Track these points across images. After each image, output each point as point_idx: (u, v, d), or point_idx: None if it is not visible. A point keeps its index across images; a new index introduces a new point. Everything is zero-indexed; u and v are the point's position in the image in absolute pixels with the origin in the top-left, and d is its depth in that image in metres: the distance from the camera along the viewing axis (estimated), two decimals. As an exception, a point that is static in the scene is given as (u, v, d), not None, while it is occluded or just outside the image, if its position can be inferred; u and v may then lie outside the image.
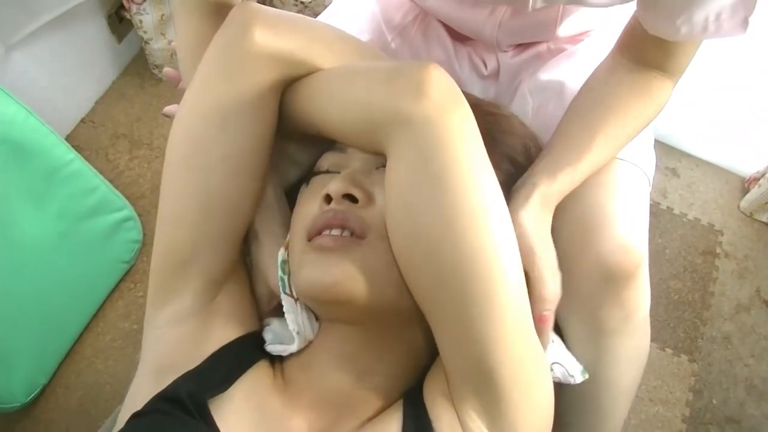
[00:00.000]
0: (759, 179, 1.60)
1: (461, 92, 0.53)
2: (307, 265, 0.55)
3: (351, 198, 0.56)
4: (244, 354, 0.58)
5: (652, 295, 1.44)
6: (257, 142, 0.59)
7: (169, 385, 0.52)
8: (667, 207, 1.65)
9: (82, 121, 1.70)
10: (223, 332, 0.58)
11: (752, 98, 1.58)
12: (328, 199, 0.56)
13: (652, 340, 1.43)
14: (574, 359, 0.72)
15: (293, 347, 0.57)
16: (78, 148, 1.35)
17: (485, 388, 0.50)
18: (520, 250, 0.54)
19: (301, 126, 0.62)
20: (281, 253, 0.60)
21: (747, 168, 1.70)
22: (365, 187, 0.57)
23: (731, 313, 1.51)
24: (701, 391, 1.41)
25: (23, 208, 1.23)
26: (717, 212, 1.66)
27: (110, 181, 1.44)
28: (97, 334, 1.42)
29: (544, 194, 0.64)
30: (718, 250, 1.59)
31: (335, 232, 0.55)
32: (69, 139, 1.63)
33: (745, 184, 1.69)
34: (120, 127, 1.71)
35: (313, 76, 0.60)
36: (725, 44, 1.44)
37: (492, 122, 0.66)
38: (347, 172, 0.59)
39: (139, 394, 0.53)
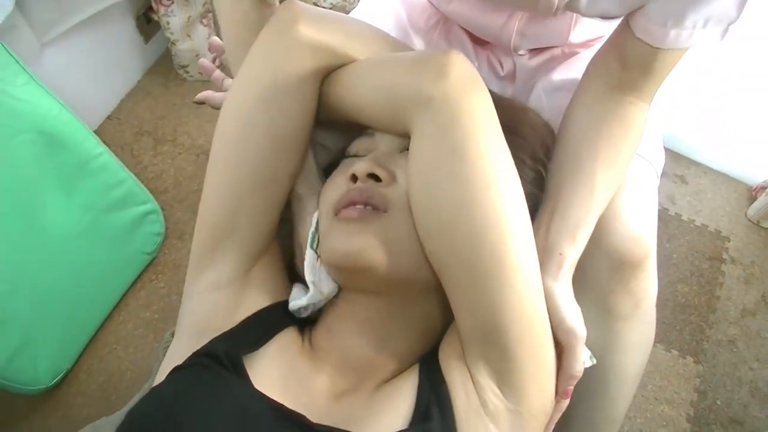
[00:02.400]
0: (766, 188, 1.64)
1: (480, 77, 0.58)
2: (332, 235, 0.60)
3: (375, 177, 0.61)
4: (275, 319, 0.63)
5: (659, 297, 1.49)
6: (298, 125, 0.64)
7: (207, 344, 0.57)
8: (675, 213, 1.69)
9: (109, 117, 1.76)
10: (256, 300, 0.63)
11: (762, 108, 1.61)
12: (354, 178, 0.61)
13: (659, 341, 1.47)
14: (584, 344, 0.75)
15: (308, 297, 0.61)
16: (104, 143, 1.40)
17: (496, 347, 0.54)
18: (556, 323, 0.59)
19: (335, 113, 0.67)
20: (316, 215, 0.65)
21: (755, 177, 1.73)
22: (388, 167, 0.61)
23: (737, 317, 1.54)
24: (706, 392, 1.44)
25: (53, 197, 1.28)
26: (724, 219, 1.69)
27: (134, 175, 1.49)
28: (119, 323, 1.46)
29: (572, 262, 0.66)
30: (724, 256, 1.63)
31: (359, 207, 0.59)
32: (96, 134, 1.68)
33: (753, 193, 1.72)
34: (145, 124, 1.76)
35: (347, 66, 0.66)
36: (737, 55, 1.48)
37: (511, 115, 0.70)
38: (372, 155, 0.64)
39: (176, 354, 0.58)
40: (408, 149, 0.61)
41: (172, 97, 1.81)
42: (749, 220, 1.69)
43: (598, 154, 0.69)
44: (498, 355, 0.54)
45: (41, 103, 1.24)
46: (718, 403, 1.43)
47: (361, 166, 0.61)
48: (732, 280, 1.59)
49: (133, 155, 1.70)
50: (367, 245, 0.57)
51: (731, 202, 1.72)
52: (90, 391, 1.37)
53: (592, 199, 0.68)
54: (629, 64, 0.68)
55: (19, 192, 1.21)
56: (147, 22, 1.74)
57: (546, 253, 0.66)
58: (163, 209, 1.58)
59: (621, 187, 0.74)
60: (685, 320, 1.52)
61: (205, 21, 1.69)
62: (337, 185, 0.64)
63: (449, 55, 0.57)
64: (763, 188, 1.66)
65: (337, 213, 0.61)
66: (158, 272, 1.54)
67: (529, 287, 0.55)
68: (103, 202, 1.40)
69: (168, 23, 1.64)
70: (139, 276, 1.52)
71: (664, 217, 1.68)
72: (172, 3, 1.60)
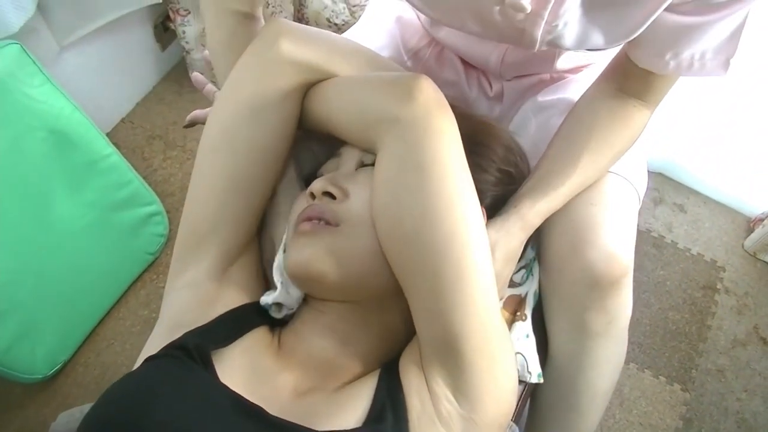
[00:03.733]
0: (764, 220, 1.64)
1: (446, 100, 0.62)
2: (291, 248, 0.64)
3: (330, 195, 0.65)
4: (247, 318, 0.66)
5: (650, 324, 1.50)
6: (279, 135, 0.68)
7: (180, 337, 0.60)
8: (672, 241, 1.70)
9: (122, 120, 1.83)
10: (232, 298, 0.67)
11: (764, 141, 1.62)
12: (312, 196, 0.66)
13: (647, 367, 1.48)
14: (537, 360, 0.77)
15: (275, 294, 0.66)
16: (116, 145, 1.45)
17: (452, 356, 0.57)
18: None
19: (313, 124, 0.71)
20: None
21: (754, 208, 1.74)
22: (342, 185, 0.65)
23: (727, 348, 1.54)
24: (692, 420, 1.44)
25: (62, 193, 1.33)
26: (721, 249, 1.70)
27: (143, 178, 1.54)
28: (118, 319, 1.51)
29: (524, 217, 0.72)
30: (718, 286, 1.63)
31: (314, 221, 0.63)
32: (109, 136, 1.72)
33: (751, 224, 1.73)
34: (157, 129, 1.82)
35: (327, 82, 0.70)
36: (743, 87, 1.50)
37: (476, 127, 0.73)
38: (330, 174, 0.68)
39: (154, 345, 0.61)
40: (364, 165, 0.66)
41: (185, 104, 1.87)
42: (746, 252, 1.69)
43: (589, 139, 0.74)
44: (454, 364, 0.57)
45: (55, 104, 1.29)
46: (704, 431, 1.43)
47: (316, 185, 0.65)
48: (725, 310, 1.60)
49: (143, 158, 1.76)
50: (316, 256, 0.61)
51: (729, 232, 1.73)
52: (86, 383, 1.41)
53: (571, 174, 0.73)
54: (634, 77, 0.72)
55: (29, 186, 1.26)
56: (164, 31, 1.81)
57: (508, 204, 0.74)
58: (168, 212, 1.63)
59: (602, 206, 0.77)
60: (674, 347, 1.53)
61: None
62: (301, 202, 0.68)
63: (418, 79, 0.61)
64: (761, 220, 1.67)
65: (295, 227, 0.65)
66: (159, 273, 1.58)
67: (486, 299, 0.58)
68: (110, 201, 1.44)
69: (184, 32, 1.70)
70: (141, 275, 1.57)
71: (660, 244, 1.69)
72: (189, 13, 1.66)
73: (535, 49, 0.70)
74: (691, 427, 1.43)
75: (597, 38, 0.64)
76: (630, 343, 1.48)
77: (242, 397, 0.55)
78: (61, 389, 1.41)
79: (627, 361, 1.48)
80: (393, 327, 0.66)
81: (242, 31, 0.72)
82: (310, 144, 0.79)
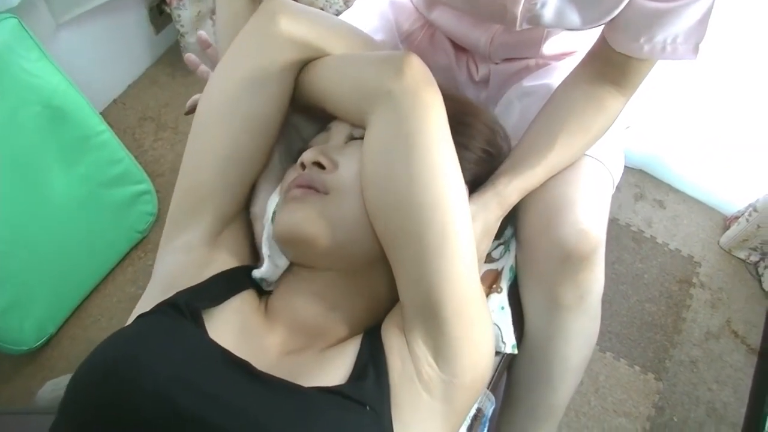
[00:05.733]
0: (739, 218, 1.69)
1: (433, 77, 0.65)
2: (280, 212, 0.67)
3: (319, 165, 0.68)
4: (237, 280, 0.69)
5: (627, 315, 1.54)
6: (276, 107, 0.71)
7: (172, 296, 0.63)
8: (651, 236, 1.74)
9: (114, 101, 1.84)
10: (224, 261, 0.69)
11: (744, 142, 1.68)
12: (303, 165, 0.69)
13: (623, 356, 1.52)
14: (512, 332, 0.80)
15: (263, 268, 0.68)
16: (108, 125, 1.47)
17: (433, 319, 0.60)
18: None
19: (307, 98, 0.74)
20: (279, 190, 0.72)
21: (730, 206, 1.79)
22: (331, 156, 0.68)
23: (700, 340, 1.59)
24: (664, 408, 1.48)
25: (55, 167, 1.35)
26: (698, 245, 1.75)
27: (134, 158, 1.56)
28: (105, 295, 1.53)
29: (500, 194, 0.76)
30: (694, 280, 1.68)
31: (304, 188, 0.66)
32: (101, 116, 1.75)
33: (727, 222, 1.78)
34: (149, 110, 1.84)
35: (323, 59, 0.73)
36: (730, 92, 1.54)
37: (459, 107, 0.77)
38: (320, 146, 0.71)
39: (146, 304, 0.64)
40: (353, 139, 0.69)
41: (177, 87, 1.89)
42: (721, 248, 1.74)
43: (565, 123, 0.78)
44: (434, 327, 0.60)
45: (51, 79, 1.31)
46: (675, 420, 1.47)
47: (307, 155, 0.68)
48: (699, 304, 1.65)
49: (134, 139, 1.77)
50: (306, 220, 0.64)
51: (706, 229, 1.78)
52: (71, 357, 1.43)
53: (546, 155, 0.77)
54: (611, 63, 0.76)
55: (23, 159, 1.28)
56: (159, 14, 1.83)
57: (487, 181, 0.77)
58: (158, 192, 1.64)
59: (576, 185, 0.80)
60: (650, 338, 1.58)
61: (214, 17, 1.76)
62: (292, 173, 0.71)
63: (408, 55, 0.64)
64: (736, 218, 1.72)
65: (286, 194, 0.68)
66: (147, 251, 1.60)
67: (467, 265, 0.61)
68: (101, 177, 1.46)
69: (179, 16, 1.72)
70: (129, 253, 1.59)
71: (639, 238, 1.73)
72: (185, -3, 1.68)
73: (517, 27, 0.73)
74: (663, 415, 1.47)
75: (574, 18, 0.67)
76: (607, 332, 1.55)
77: (230, 352, 0.57)
78: (47, 362, 1.42)
79: (603, 350, 1.53)
80: (377, 294, 0.69)
81: (246, 14, 0.75)
82: (297, 123, 0.81)
